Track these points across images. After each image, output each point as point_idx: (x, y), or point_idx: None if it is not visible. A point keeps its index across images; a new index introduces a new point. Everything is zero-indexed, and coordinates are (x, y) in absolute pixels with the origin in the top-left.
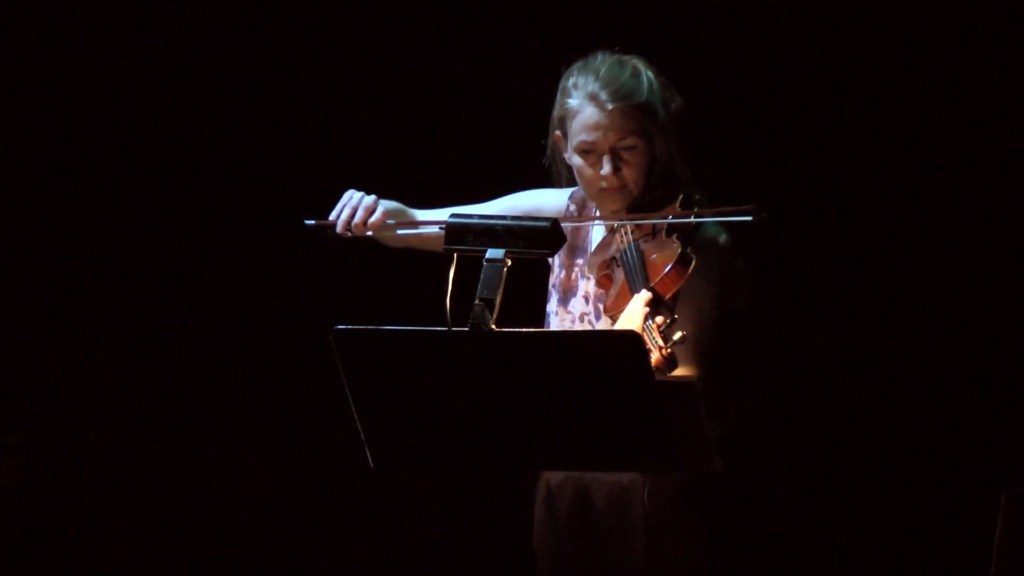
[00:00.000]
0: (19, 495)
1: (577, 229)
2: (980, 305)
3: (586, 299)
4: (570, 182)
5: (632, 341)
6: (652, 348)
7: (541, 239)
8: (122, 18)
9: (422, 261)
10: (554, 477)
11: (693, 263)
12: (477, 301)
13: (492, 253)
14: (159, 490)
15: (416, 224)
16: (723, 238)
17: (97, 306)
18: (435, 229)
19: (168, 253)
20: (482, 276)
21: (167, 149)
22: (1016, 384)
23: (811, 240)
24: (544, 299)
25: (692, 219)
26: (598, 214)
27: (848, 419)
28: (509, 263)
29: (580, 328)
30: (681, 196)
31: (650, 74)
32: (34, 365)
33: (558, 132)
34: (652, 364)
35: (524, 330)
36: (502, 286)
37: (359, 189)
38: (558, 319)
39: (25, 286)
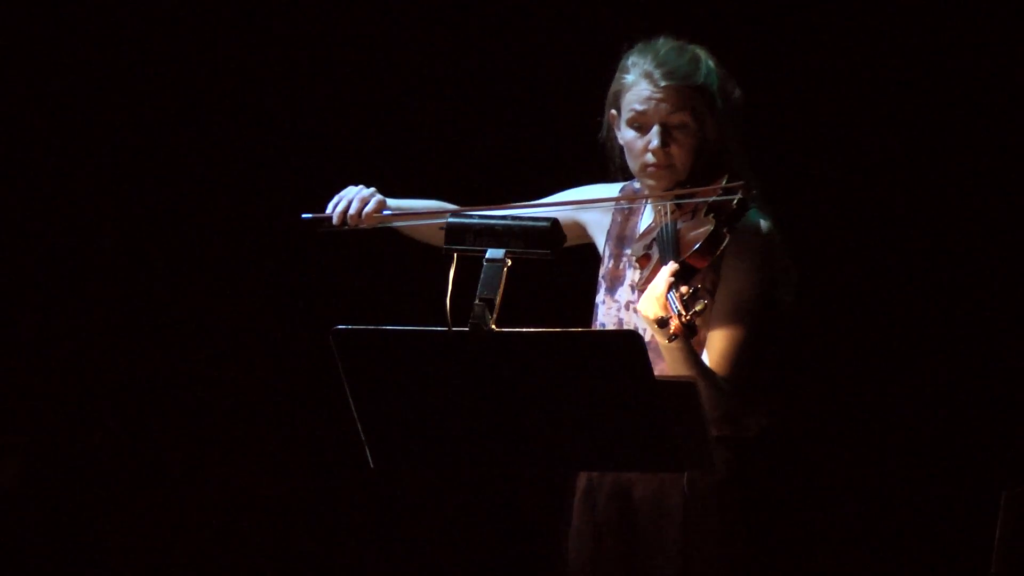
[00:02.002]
0: (19, 496)
1: (626, 219)
2: (980, 305)
3: (632, 287)
4: (621, 166)
5: (632, 341)
6: (672, 316)
7: (541, 239)
8: (120, 16)
9: (422, 261)
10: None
11: (725, 242)
12: (477, 301)
13: (492, 253)
14: (159, 490)
15: (415, 216)
16: (767, 227)
17: (97, 306)
18: (433, 221)
19: (168, 253)
20: (482, 276)
21: (167, 148)
22: (1016, 384)
23: (809, 240)
24: (594, 291)
25: (675, 199)
26: (647, 208)
27: (847, 419)
28: (509, 263)
29: (627, 317)
30: (726, 178)
31: (710, 63)
32: (34, 365)
33: (612, 111)
34: (671, 331)
35: (524, 330)
36: (502, 286)
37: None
38: (605, 308)
39: (25, 286)
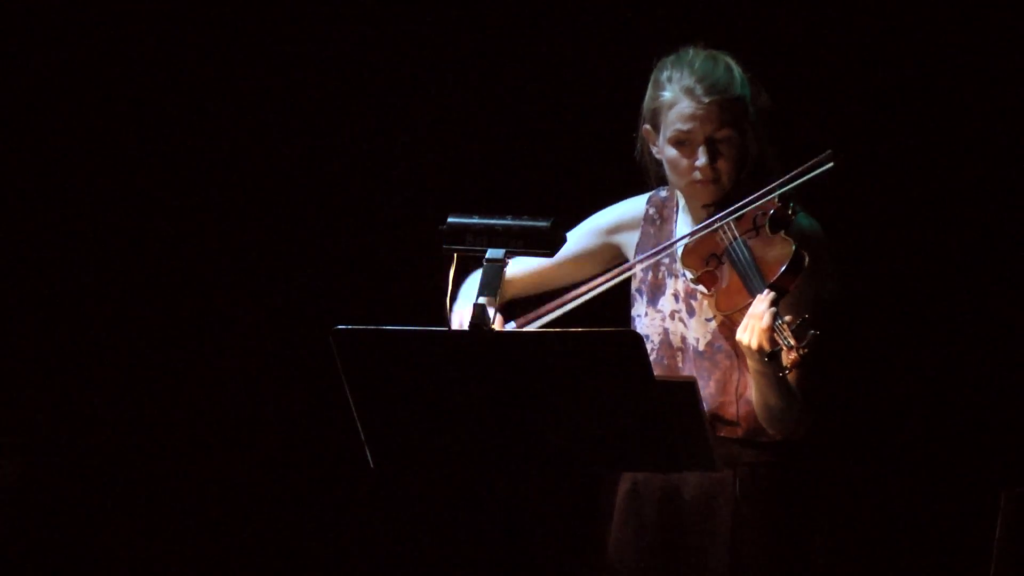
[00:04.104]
0: (19, 496)
1: (659, 229)
2: (981, 305)
3: (675, 296)
4: (658, 177)
5: (632, 341)
6: (784, 347)
7: (541, 239)
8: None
9: (422, 261)
10: (640, 473)
11: (807, 261)
12: (477, 301)
13: (492, 253)
14: (159, 490)
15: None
16: (818, 230)
17: (97, 306)
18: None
19: (168, 253)
20: (482, 276)
21: (166, 148)
22: (1016, 384)
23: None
24: (625, 304)
25: (778, 190)
26: (681, 214)
27: (847, 418)
28: (509, 263)
29: (672, 326)
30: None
31: (739, 70)
32: (34, 365)
33: (647, 126)
34: (786, 364)
35: (524, 330)
36: (502, 286)
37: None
38: (647, 319)
39: (25, 286)
